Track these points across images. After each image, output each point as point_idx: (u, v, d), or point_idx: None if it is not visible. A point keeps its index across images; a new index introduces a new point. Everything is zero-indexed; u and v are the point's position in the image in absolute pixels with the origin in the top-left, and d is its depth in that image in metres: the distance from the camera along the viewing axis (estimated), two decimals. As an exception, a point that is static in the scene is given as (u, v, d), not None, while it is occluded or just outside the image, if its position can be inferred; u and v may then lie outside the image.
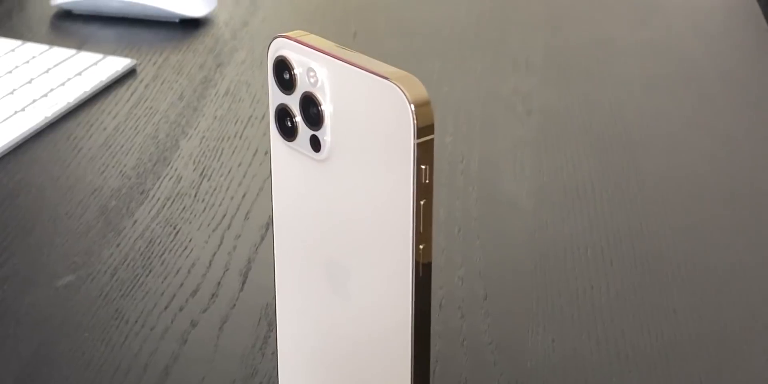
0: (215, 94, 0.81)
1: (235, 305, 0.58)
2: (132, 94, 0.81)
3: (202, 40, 0.90)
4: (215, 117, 0.78)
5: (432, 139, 0.39)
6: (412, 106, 0.38)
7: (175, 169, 0.71)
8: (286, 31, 0.41)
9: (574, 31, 0.95)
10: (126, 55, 0.85)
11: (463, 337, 0.56)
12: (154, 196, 0.68)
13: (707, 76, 0.86)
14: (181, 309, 0.58)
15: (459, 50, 0.90)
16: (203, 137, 0.75)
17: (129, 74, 0.83)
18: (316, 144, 0.42)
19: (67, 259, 0.62)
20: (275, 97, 0.43)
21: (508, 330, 0.57)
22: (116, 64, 0.83)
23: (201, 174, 0.70)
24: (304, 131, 0.42)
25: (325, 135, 0.41)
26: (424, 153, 0.39)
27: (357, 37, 0.91)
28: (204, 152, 0.73)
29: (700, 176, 0.72)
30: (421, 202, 0.39)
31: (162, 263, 0.61)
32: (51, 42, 0.87)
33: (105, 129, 0.76)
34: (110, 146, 0.74)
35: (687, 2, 1.03)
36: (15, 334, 0.56)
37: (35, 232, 0.64)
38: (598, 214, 0.67)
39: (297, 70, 0.41)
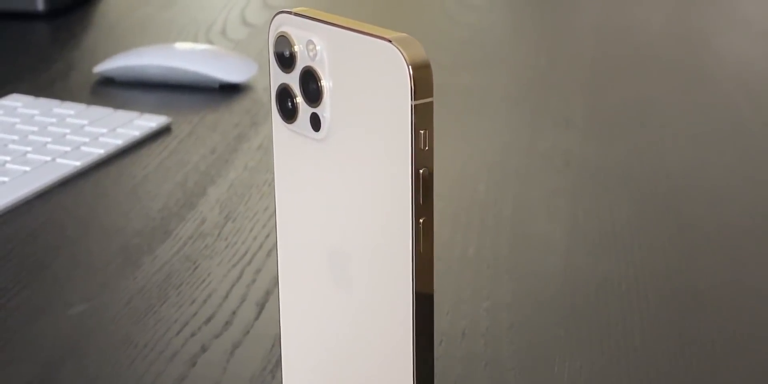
0: (248, 148, 0.80)
1: (248, 332, 0.56)
2: (165, 149, 0.80)
3: (240, 102, 0.90)
4: (246, 167, 0.77)
5: (431, 103, 0.37)
6: (410, 65, 0.36)
7: (201, 212, 0.69)
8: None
9: (618, 91, 0.94)
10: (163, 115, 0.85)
11: (485, 362, 0.53)
12: (176, 235, 0.66)
13: (753, 131, 0.84)
14: (192, 335, 0.55)
15: (498, 108, 0.89)
16: (232, 185, 0.74)
17: (164, 131, 0.83)
18: (316, 122, 0.41)
19: (82, 290, 0.60)
20: (276, 77, 0.42)
21: (533, 356, 0.54)
22: (151, 121, 0.83)
23: (226, 217, 0.69)
24: (304, 110, 0.41)
25: (325, 111, 0.40)
26: (423, 116, 0.37)
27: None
28: (231, 198, 0.72)
29: (741, 227, 0.69)
30: (421, 171, 0.37)
31: (178, 294, 0.60)
32: (90, 104, 0.87)
33: (134, 178, 0.75)
34: (137, 193, 0.73)
35: (736, 64, 1.02)
36: (20, 357, 0.54)
37: (53, 267, 0.63)
38: (634, 255, 0.64)
39: (297, 46, 0.40)
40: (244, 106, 0.89)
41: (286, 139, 0.42)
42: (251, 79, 0.94)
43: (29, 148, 0.77)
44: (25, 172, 0.74)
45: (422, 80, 0.36)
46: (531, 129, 0.85)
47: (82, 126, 0.82)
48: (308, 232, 0.43)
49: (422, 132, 0.37)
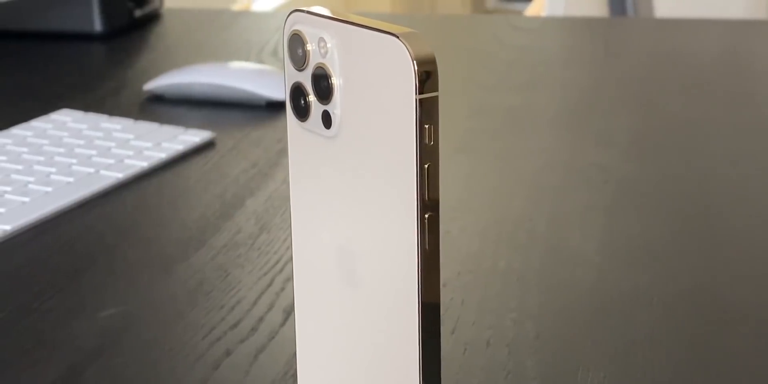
0: (288, 163, 0.81)
1: (274, 338, 0.56)
2: (207, 162, 0.81)
3: (285, 119, 0.91)
4: (285, 181, 0.77)
5: (436, 97, 0.37)
6: (414, 59, 0.37)
7: (237, 223, 0.70)
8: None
9: (663, 113, 0.93)
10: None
11: (507, 372, 0.53)
12: (211, 244, 0.67)
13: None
14: (218, 339, 0.56)
15: (540, 128, 0.89)
16: (269, 197, 0.74)
17: (208, 146, 0.84)
18: (327, 120, 0.41)
19: (114, 295, 0.61)
20: (290, 76, 0.42)
21: (557, 366, 0.53)
22: (196, 136, 0.84)
23: (261, 227, 0.69)
24: (316, 108, 0.41)
25: (336, 108, 0.40)
26: (427, 111, 0.37)
27: (438, 119, 0.90)
28: (267, 210, 0.72)
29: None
30: (426, 166, 0.38)
31: (207, 300, 0.60)
32: (138, 120, 0.89)
33: (174, 189, 0.76)
34: (176, 204, 0.74)
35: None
36: (47, 358, 0.54)
37: (88, 273, 0.64)
38: (666, 271, 0.63)
39: (309, 44, 0.41)
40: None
41: (300, 138, 0.43)
42: (297, 98, 0.95)
43: (74, 160, 0.79)
44: (69, 183, 0.75)
45: (427, 75, 0.37)
46: (572, 147, 0.84)
47: (128, 140, 0.83)
48: (321, 230, 0.43)
49: (427, 126, 0.37)
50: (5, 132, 0.85)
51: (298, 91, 0.42)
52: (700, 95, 0.98)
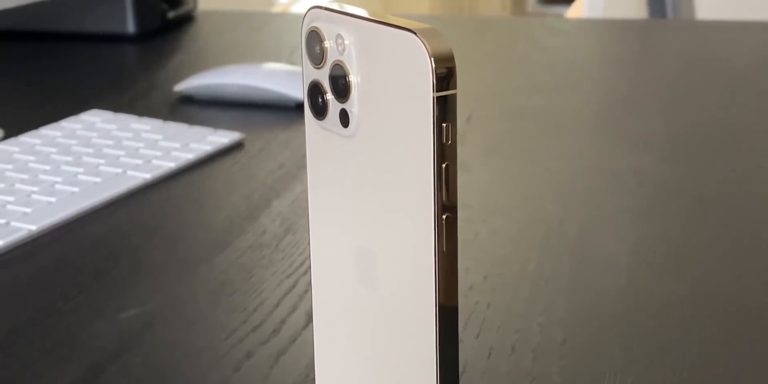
0: (317, 164, 0.80)
1: (295, 340, 0.55)
2: (235, 163, 0.81)
3: (315, 120, 0.90)
4: (313, 182, 0.77)
5: (454, 95, 0.36)
6: (432, 56, 0.36)
7: (262, 224, 0.69)
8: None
9: (700, 116, 0.91)
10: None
11: (532, 377, 0.52)
12: (235, 245, 0.66)
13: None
14: (240, 341, 0.55)
15: (575, 130, 0.88)
16: (296, 199, 0.74)
17: (236, 147, 0.84)
18: (345, 118, 0.40)
19: (136, 295, 0.60)
20: (308, 74, 0.41)
21: (583, 372, 0.52)
22: (224, 137, 0.84)
23: (286, 229, 0.69)
24: (334, 106, 0.41)
25: (353, 106, 0.40)
26: (445, 109, 0.36)
27: (471, 120, 0.89)
28: (294, 211, 0.71)
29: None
30: (443, 165, 0.37)
31: (230, 302, 0.59)
32: (168, 120, 0.88)
33: (201, 190, 0.76)
34: (202, 204, 0.74)
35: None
36: (68, 357, 0.54)
37: (112, 273, 0.64)
38: (699, 277, 0.62)
39: (327, 40, 0.40)
40: (319, 124, 0.89)
41: (318, 137, 0.42)
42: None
43: (102, 161, 0.79)
44: (96, 183, 0.75)
45: (445, 72, 0.36)
46: (607, 150, 0.83)
47: (156, 141, 0.83)
48: (339, 231, 0.42)
49: (445, 125, 0.36)
50: (35, 132, 0.85)
51: (315, 89, 0.41)
52: (738, 99, 0.96)
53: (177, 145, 0.82)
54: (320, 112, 0.41)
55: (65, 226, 0.69)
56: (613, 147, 0.84)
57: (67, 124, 0.87)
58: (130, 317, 0.58)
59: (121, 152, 0.80)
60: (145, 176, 0.76)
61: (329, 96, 0.41)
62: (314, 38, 0.40)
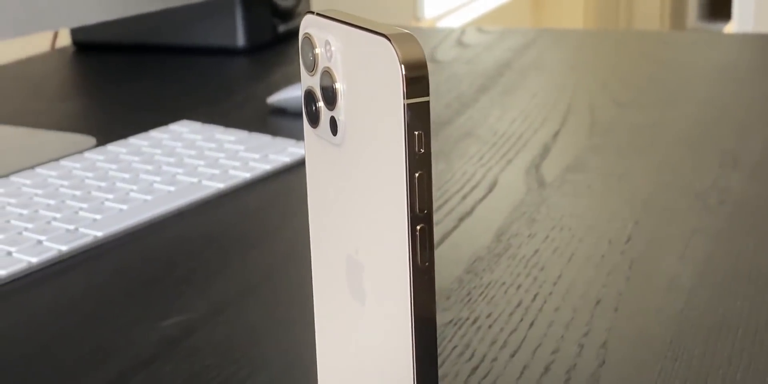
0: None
1: (327, 353, 0.54)
2: (311, 175, 0.80)
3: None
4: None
5: (426, 103, 0.35)
6: (402, 62, 0.35)
7: (323, 236, 0.69)
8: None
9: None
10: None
11: (559, 400, 0.50)
12: (298, 259, 0.66)
13: None
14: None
15: (665, 146, 0.85)
16: (363, 211, 0.73)
17: (316, 159, 0.84)
18: (333, 126, 0.39)
19: (183, 304, 0.61)
20: (304, 81, 0.41)
21: (614, 396, 0.50)
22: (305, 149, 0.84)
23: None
24: (324, 114, 0.40)
25: (340, 114, 0.39)
26: (417, 117, 0.35)
27: (558, 135, 0.87)
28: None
29: None
30: (416, 175, 0.35)
31: (279, 315, 0.59)
32: (257, 132, 0.89)
33: (271, 200, 0.76)
34: (271, 215, 0.74)
35: None
36: (100, 363, 0.54)
37: (165, 281, 0.64)
38: (762, 300, 0.59)
39: (318, 47, 0.39)
40: (403, 137, 0.89)
41: (315, 145, 0.41)
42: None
43: (180, 170, 0.80)
44: (169, 191, 0.76)
45: (415, 78, 0.35)
46: (694, 167, 0.80)
47: (237, 151, 0.84)
48: (332, 241, 0.41)
49: (417, 133, 0.35)
50: (122, 141, 0.86)
51: (309, 97, 0.40)
52: None
53: (256, 155, 0.83)
54: (314, 119, 0.41)
55: (131, 234, 0.70)
56: (700, 163, 0.80)
57: (156, 133, 0.88)
58: (170, 325, 0.58)
59: (201, 162, 0.81)
60: (219, 186, 0.77)
61: (320, 103, 0.40)
62: (307, 45, 0.40)
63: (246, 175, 0.79)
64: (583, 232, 0.68)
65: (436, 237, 0.68)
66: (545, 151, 0.84)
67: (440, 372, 0.52)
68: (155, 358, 0.55)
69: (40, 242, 0.67)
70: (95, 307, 0.61)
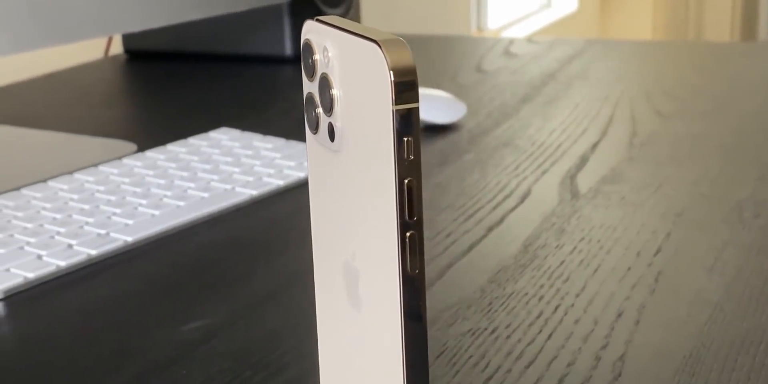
0: (425, 185, 0.79)
1: (341, 361, 0.54)
2: (345, 183, 0.81)
3: (438, 142, 0.90)
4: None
5: (416, 109, 0.35)
6: (391, 68, 0.35)
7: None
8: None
9: None
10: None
11: (569, 412, 0.49)
12: (316, 264, 0.66)
13: None
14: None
15: (706, 158, 0.84)
16: (393, 219, 0.73)
17: (352, 167, 0.84)
18: (331, 133, 0.39)
19: (206, 309, 0.61)
20: (305, 87, 0.41)
21: (626, 410, 0.49)
22: (340, 157, 0.84)
23: (373, 249, 0.68)
24: (323, 120, 0.40)
25: (337, 120, 0.39)
26: (406, 123, 0.35)
27: (597, 146, 0.87)
28: (386, 232, 0.71)
29: None
30: (405, 181, 0.35)
31: (296, 321, 0.59)
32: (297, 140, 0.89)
33: (302, 208, 0.76)
34: (301, 223, 0.74)
35: None
36: (118, 366, 0.55)
37: (191, 286, 0.64)
38: (793, 314, 0.58)
39: (317, 53, 0.39)
40: (439, 146, 0.89)
41: (316, 151, 0.41)
42: (458, 122, 0.94)
43: (215, 177, 0.80)
44: (203, 198, 0.76)
45: (404, 84, 0.34)
46: (733, 179, 0.79)
47: (273, 159, 0.84)
48: (331, 247, 0.41)
49: (406, 139, 0.35)
50: (161, 148, 0.87)
51: (309, 103, 0.41)
52: None
53: (292, 163, 0.83)
54: (313, 126, 0.41)
55: (162, 239, 0.71)
56: (739, 176, 0.79)
57: (194, 140, 0.89)
58: (190, 330, 0.58)
59: (237, 169, 0.82)
60: (252, 193, 0.77)
61: (319, 109, 0.40)
62: (308, 51, 0.40)
63: (279, 183, 0.79)
64: (612, 244, 0.68)
65: (464, 246, 0.68)
66: (582, 161, 0.83)
67: (453, 382, 0.52)
68: (173, 362, 0.55)
69: (70, 246, 0.68)
70: (119, 310, 0.62)
